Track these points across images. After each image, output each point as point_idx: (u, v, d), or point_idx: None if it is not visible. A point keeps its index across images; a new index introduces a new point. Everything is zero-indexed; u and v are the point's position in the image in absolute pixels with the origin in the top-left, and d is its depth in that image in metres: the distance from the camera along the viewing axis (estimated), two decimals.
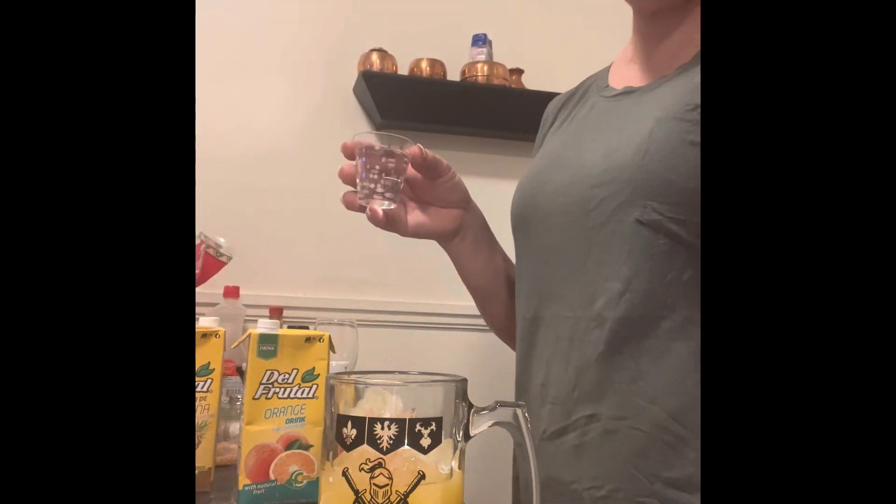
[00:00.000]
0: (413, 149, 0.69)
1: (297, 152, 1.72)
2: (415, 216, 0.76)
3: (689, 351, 0.59)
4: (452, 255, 0.82)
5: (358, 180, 0.68)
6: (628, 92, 0.73)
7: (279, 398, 0.66)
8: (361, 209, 0.70)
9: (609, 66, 0.84)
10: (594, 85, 0.82)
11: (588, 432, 0.64)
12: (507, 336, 0.88)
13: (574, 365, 0.66)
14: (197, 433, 0.69)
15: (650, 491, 0.59)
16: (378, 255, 1.70)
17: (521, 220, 0.77)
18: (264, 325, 0.68)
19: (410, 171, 0.71)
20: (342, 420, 0.44)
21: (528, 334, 0.74)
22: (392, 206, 0.68)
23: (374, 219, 0.69)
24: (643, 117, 0.65)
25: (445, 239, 0.80)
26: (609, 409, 0.63)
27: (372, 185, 0.67)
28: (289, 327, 0.72)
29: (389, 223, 0.71)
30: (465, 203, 0.80)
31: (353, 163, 0.69)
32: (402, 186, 0.69)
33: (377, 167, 0.67)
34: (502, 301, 0.87)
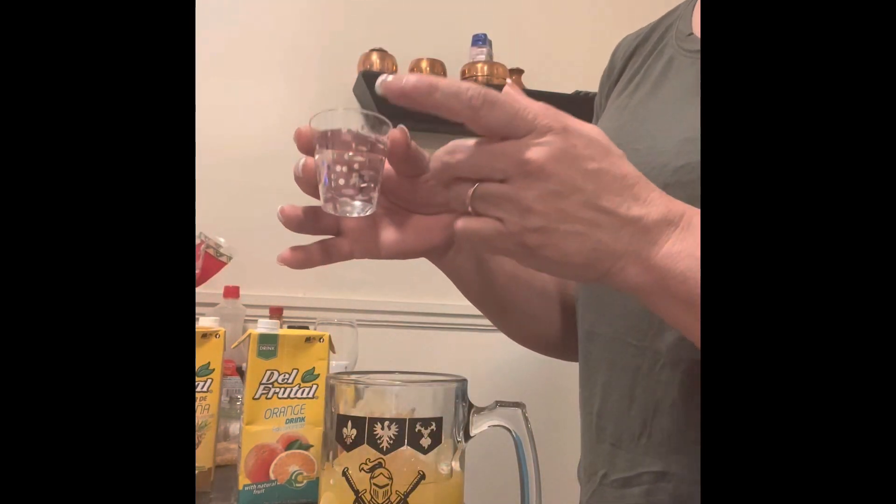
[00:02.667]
0: (395, 132, 0.49)
1: (297, 152, 1.71)
2: (389, 233, 0.52)
3: None
4: (449, 273, 0.58)
5: (319, 180, 0.49)
6: None
7: (279, 398, 0.66)
8: (304, 260, 0.52)
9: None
10: (674, 27, 0.63)
11: (655, 492, 0.53)
12: (552, 350, 0.70)
13: (639, 405, 0.55)
14: (197, 433, 0.69)
15: None
16: None
17: None
18: (264, 325, 0.68)
19: (387, 165, 0.50)
20: (342, 420, 0.44)
21: (584, 350, 0.62)
22: (368, 212, 0.48)
23: (293, 260, 0.51)
24: None
25: (436, 255, 0.56)
26: (682, 469, 0.52)
27: (338, 185, 0.48)
28: (289, 327, 0.72)
29: (328, 254, 0.51)
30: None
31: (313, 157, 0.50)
32: (379, 184, 0.49)
33: (345, 159, 0.47)
34: (532, 317, 0.66)
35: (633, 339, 0.55)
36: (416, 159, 0.52)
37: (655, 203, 0.40)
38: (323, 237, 0.52)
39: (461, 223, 0.41)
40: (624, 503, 0.56)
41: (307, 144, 0.51)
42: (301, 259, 0.50)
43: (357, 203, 0.48)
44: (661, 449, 0.53)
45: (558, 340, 0.68)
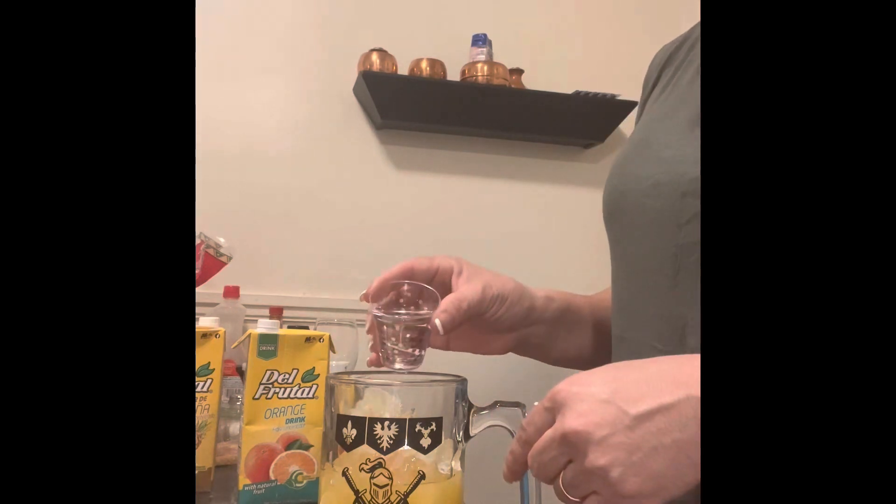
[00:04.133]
0: (433, 323, 0.58)
1: (297, 152, 1.72)
2: (458, 344, 0.68)
3: None
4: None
5: (376, 339, 0.60)
6: None
7: (279, 398, 0.66)
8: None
9: None
10: None
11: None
12: (580, 366, 0.76)
13: None
14: (197, 433, 0.69)
15: None
16: (378, 254, 1.70)
17: (610, 216, 0.65)
18: (264, 325, 0.68)
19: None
20: (342, 420, 0.44)
21: (615, 354, 0.65)
22: (414, 368, 0.58)
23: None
24: None
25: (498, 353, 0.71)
26: None
27: (388, 348, 0.58)
28: (289, 327, 0.72)
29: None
30: (524, 323, 0.68)
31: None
32: (425, 351, 0.59)
33: (393, 330, 0.58)
34: (566, 351, 0.75)
35: (657, 342, 0.57)
36: (471, 316, 0.61)
37: (682, 371, 0.43)
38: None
39: None
40: None
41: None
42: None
43: (400, 364, 0.57)
44: None
45: (589, 357, 0.74)
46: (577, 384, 0.43)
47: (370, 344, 0.62)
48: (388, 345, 0.57)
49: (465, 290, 0.62)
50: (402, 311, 0.59)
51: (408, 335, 0.57)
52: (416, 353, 0.58)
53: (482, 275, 0.65)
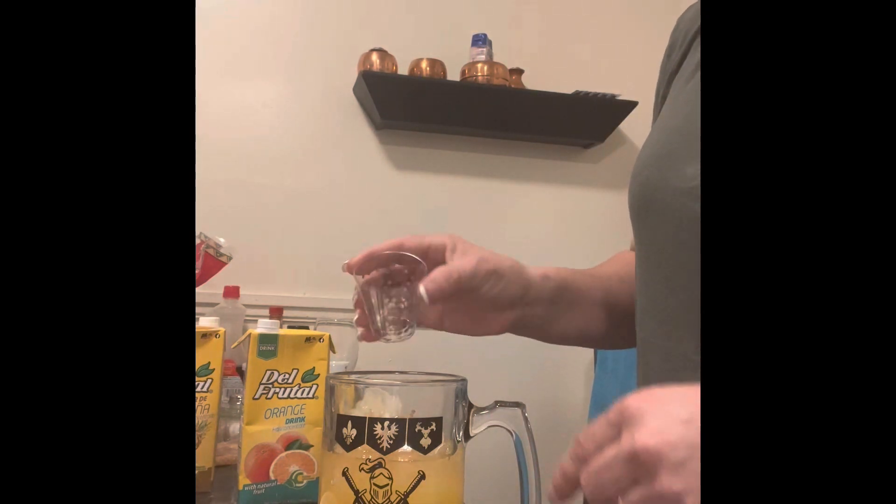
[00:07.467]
0: (419, 292, 0.55)
1: (297, 152, 1.72)
2: (453, 321, 0.63)
3: None
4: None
5: (364, 313, 0.59)
6: None
7: (279, 398, 0.66)
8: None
9: None
10: None
11: None
12: (590, 344, 0.74)
13: None
14: (197, 433, 0.69)
15: None
16: None
17: (640, 212, 0.58)
18: (264, 325, 0.68)
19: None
20: (342, 420, 0.44)
21: (640, 355, 0.61)
22: (406, 338, 0.57)
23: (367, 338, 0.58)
24: None
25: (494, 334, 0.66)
26: None
27: (380, 323, 0.57)
28: (289, 327, 0.72)
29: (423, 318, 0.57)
30: (522, 301, 0.63)
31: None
32: (416, 321, 0.58)
33: (382, 308, 0.57)
34: (577, 328, 0.69)
35: (695, 354, 0.52)
36: (462, 288, 0.58)
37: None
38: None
39: None
40: None
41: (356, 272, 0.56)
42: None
43: (392, 336, 0.57)
44: None
45: (600, 337, 0.70)
46: (651, 400, 0.38)
47: (356, 318, 0.61)
48: (378, 317, 0.56)
49: (457, 263, 0.59)
50: (390, 283, 0.57)
51: (399, 304, 0.56)
52: (407, 322, 0.56)
53: (477, 251, 0.61)
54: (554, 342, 0.70)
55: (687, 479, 0.35)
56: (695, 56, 0.60)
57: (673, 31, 0.66)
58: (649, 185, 0.56)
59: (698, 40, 0.60)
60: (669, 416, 0.36)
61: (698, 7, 0.62)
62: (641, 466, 0.36)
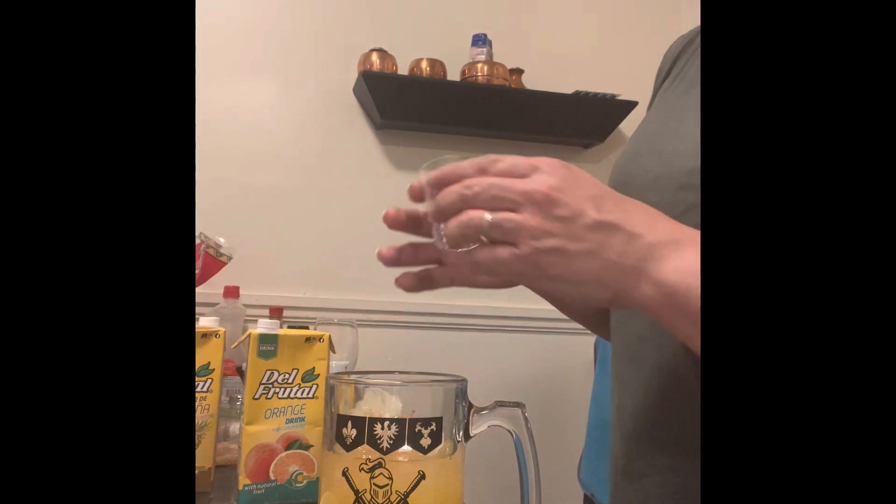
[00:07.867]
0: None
1: (297, 152, 1.72)
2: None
3: None
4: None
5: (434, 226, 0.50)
6: None
7: (279, 398, 0.66)
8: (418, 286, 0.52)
9: None
10: None
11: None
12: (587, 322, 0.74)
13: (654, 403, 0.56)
14: (197, 433, 0.70)
15: None
16: None
17: None
18: (264, 325, 0.68)
19: None
20: (342, 420, 0.44)
21: (613, 340, 0.64)
22: (475, 245, 0.47)
23: (408, 284, 0.52)
24: None
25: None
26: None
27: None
28: (289, 327, 0.72)
29: (432, 282, 0.51)
30: None
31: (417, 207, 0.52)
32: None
33: None
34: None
35: (647, 332, 0.56)
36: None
37: (661, 224, 0.43)
38: (424, 266, 0.54)
39: (480, 254, 0.43)
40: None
41: (419, 195, 0.52)
42: (413, 285, 0.52)
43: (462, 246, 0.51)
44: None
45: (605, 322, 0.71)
46: (575, 171, 0.42)
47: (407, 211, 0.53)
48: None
49: None
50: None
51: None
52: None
53: None
54: (569, 315, 0.70)
55: (558, 228, 0.40)
56: (671, 76, 0.68)
57: (662, 59, 0.72)
58: (617, 184, 0.61)
59: (678, 63, 0.67)
60: (578, 183, 0.41)
61: (683, 38, 0.70)
62: (530, 199, 0.40)
